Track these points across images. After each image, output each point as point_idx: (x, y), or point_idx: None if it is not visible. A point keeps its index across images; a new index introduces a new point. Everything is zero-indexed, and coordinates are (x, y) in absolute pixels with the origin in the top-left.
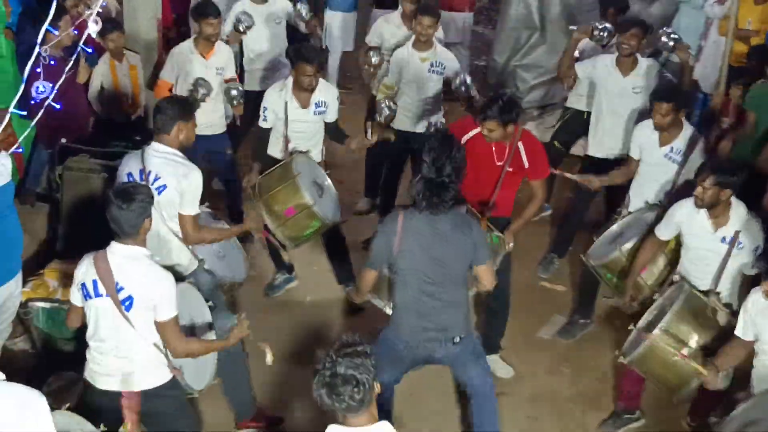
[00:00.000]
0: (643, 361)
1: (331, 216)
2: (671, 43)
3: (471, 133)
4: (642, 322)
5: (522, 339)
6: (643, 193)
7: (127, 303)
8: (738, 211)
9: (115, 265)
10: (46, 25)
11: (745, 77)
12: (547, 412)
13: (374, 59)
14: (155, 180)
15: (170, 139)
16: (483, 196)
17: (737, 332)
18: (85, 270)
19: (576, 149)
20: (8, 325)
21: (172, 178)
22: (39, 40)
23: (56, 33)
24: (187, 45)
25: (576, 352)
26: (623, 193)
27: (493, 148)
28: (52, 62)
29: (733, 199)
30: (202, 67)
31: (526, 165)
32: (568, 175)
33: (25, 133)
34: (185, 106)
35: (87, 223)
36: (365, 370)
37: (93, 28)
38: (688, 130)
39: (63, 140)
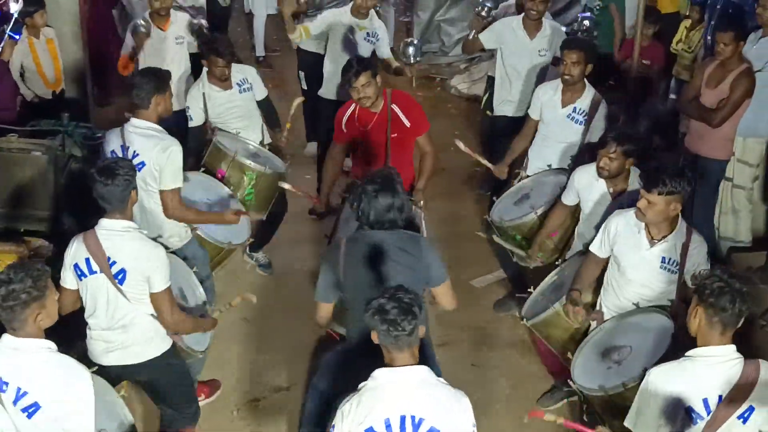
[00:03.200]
0: (545, 325)
1: (265, 164)
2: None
3: (350, 109)
4: (544, 285)
5: (463, 290)
6: (543, 155)
7: (119, 276)
8: (635, 176)
9: (104, 241)
10: None
11: (653, 15)
12: (489, 358)
13: None
14: (134, 156)
15: (148, 114)
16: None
17: (593, 248)
18: (75, 251)
19: None
20: None
21: (150, 154)
22: None
23: None
24: (142, 19)
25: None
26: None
27: (357, 117)
28: None
29: (632, 167)
30: (160, 39)
31: (408, 124)
32: (477, 156)
33: None
34: (160, 78)
35: (21, 203)
36: (417, 303)
37: (14, 7)
38: (590, 91)
39: None
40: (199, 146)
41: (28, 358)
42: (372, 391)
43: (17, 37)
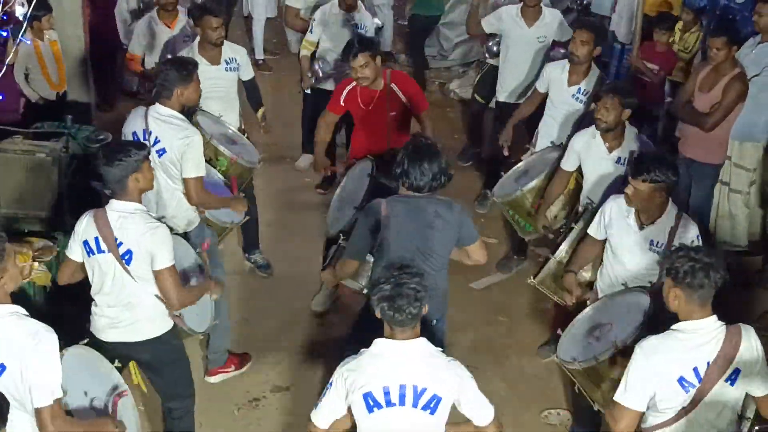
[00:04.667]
0: (550, 280)
1: (239, 153)
2: None
3: (352, 84)
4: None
5: (459, 292)
6: (549, 132)
7: (126, 257)
8: (630, 133)
9: (113, 221)
10: None
11: (668, 22)
12: (486, 360)
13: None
14: (156, 142)
15: (171, 103)
16: (380, 146)
17: (590, 231)
18: (85, 227)
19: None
20: None
21: (171, 142)
22: None
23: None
24: (150, 17)
25: (512, 303)
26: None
27: (359, 96)
28: None
29: (627, 123)
30: (167, 37)
31: (404, 100)
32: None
33: None
34: (183, 70)
35: (25, 204)
36: (422, 288)
37: (20, 11)
38: (595, 72)
39: None
40: None
41: None
42: (372, 358)
43: (29, 42)
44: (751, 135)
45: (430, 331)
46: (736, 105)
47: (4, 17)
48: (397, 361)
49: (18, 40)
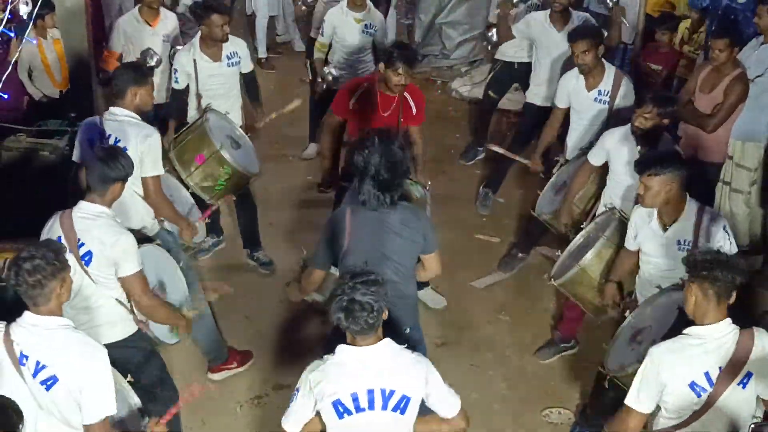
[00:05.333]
0: (573, 284)
1: (243, 163)
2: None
3: (363, 88)
4: (571, 246)
5: (460, 290)
6: (578, 140)
7: (86, 258)
8: (665, 140)
9: (78, 222)
10: None
11: (670, 22)
12: (487, 359)
13: None
14: (116, 143)
15: (126, 104)
16: None
17: (626, 245)
18: (50, 227)
19: (505, 104)
20: None
21: (131, 140)
22: None
23: None
24: (132, 14)
25: (513, 302)
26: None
27: (379, 101)
28: None
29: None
30: (148, 35)
31: (415, 112)
32: (502, 151)
33: None
34: (138, 72)
35: (27, 202)
36: (379, 297)
37: (24, 10)
38: (611, 69)
39: None
40: (180, 109)
41: (48, 333)
42: (336, 366)
43: (34, 41)
44: (754, 135)
45: (403, 340)
46: (738, 106)
47: (9, 16)
48: (362, 367)
49: (24, 40)
